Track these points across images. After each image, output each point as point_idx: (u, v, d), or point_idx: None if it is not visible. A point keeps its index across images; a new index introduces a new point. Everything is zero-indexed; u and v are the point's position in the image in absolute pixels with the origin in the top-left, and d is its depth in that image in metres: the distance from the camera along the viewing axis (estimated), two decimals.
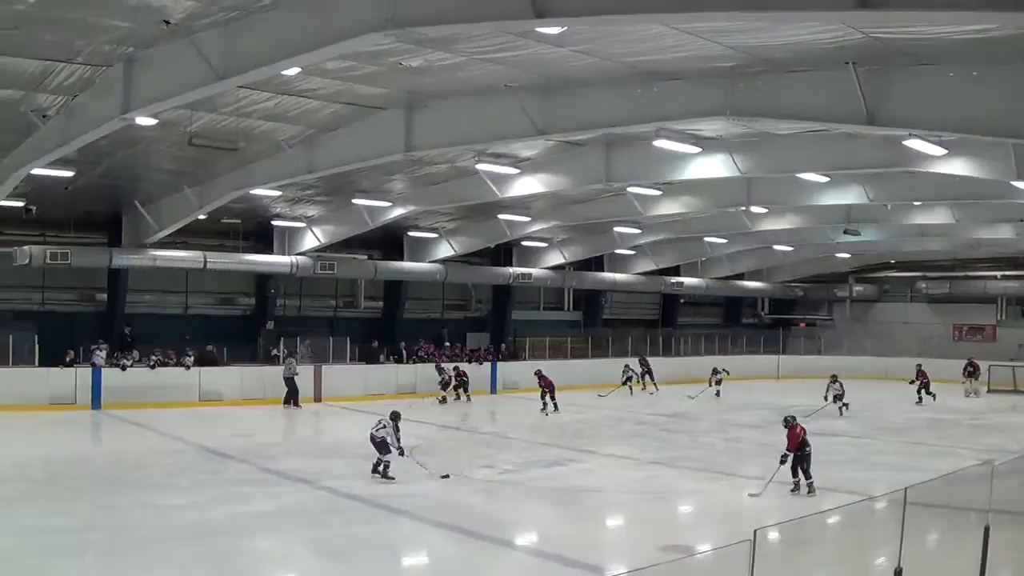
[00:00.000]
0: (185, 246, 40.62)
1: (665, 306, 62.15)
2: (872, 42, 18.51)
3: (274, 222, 41.95)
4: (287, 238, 42.91)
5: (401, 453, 22.34)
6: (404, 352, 45.74)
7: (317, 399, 39.24)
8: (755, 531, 9.51)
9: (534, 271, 50.27)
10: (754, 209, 38.79)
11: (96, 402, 34.82)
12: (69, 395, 34.49)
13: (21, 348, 35.37)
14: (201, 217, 35.81)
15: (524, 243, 48.97)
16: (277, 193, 34.81)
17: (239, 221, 40.51)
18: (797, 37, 18.77)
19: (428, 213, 40.03)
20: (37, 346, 35.95)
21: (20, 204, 34.36)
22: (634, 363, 46.24)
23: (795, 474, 20.97)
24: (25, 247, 36.27)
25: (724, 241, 50.42)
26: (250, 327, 44.90)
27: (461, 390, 40.80)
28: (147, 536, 17.07)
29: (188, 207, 34.60)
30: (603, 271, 54.95)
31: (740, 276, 61.54)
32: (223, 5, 18.38)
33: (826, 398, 37.06)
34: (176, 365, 37.87)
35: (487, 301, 53.19)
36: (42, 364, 35.54)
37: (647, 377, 46.35)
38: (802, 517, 13.85)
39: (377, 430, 22.28)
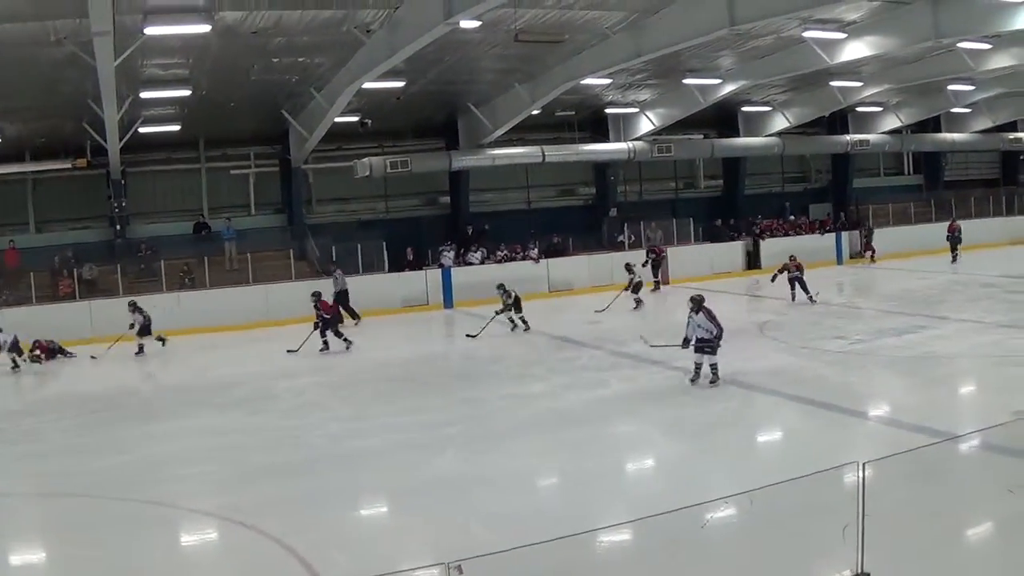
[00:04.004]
0: (522, 142, 41.49)
1: (1005, 164, 58.70)
2: None
3: (607, 110, 42.27)
4: (622, 125, 43.20)
5: None
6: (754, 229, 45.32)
7: (665, 282, 39.42)
8: None
9: (871, 137, 48.75)
10: None
11: (448, 301, 36.33)
12: (421, 296, 36.12)
13: (370, 256, 36.95)
14: (535, 112, 36.44)
15: (858, 109, 47.44)
16: (607, 81, 34.85)
17: (573, 112, 41.04)
18: None
19: (759, 87, 39.28)
20: (385, 252, 37.54)
21: (355, 119, 35.80)
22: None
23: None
24: (365, 159, 37.95)
25: None
26: (593, 215, 45.33)
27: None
28: (507, 426, 17.65)
29: (521, 103, 35.24)
30: (940, 132, 52.78)
31: None
32: None
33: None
34: (523, 259, 38.72)
35: (826, 171, 52.07)
36: (391, 270, 37.13)
37: (655, 271, 38.93)
38: None
39: None
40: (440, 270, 37.27)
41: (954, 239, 43.37)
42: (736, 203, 48.09)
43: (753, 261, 42.80)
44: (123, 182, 35.86)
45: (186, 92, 29.91)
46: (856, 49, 30.76)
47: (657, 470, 15.28)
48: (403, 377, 23.64)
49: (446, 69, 31.66)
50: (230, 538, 12.77)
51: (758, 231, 44.26)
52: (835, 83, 39.77)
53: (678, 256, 41.03)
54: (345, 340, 27.26)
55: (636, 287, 33.89)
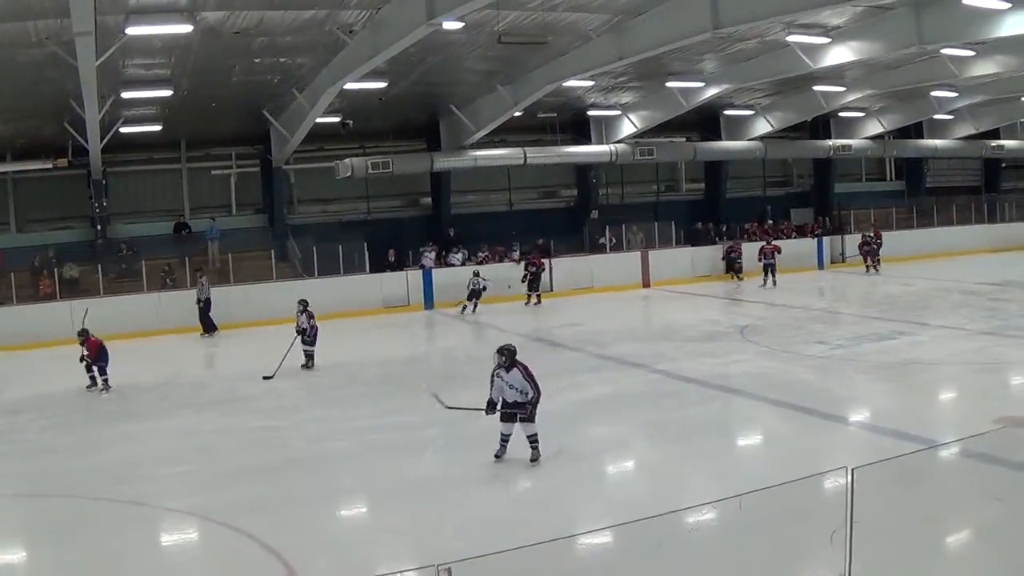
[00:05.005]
0: (504, 144, 41.44)
1: (987, 171, 58.64)
2: None
3: (590, 112, 42.25)
4: (604, 127, 43.21)
5: None
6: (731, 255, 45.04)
7: (645, 284, 39.45)
8: None
9: (853, 142, 48.75)
10: None
11: (429, 302, 36.31)
12: (402, 297, 35.97)
13: (351, 256, 36.83)
14: (517, 114, 36.37)
15: (841, 114, 47.57)
16: (590, 83, 34.90)
17: (555, 114, 40.96)
18: None
19: (742, 90, 39.29)
20: (367, 253, 37.38)
21: (337, 119, 35.74)
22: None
23: None
24: (346, 160, 37.96)
25: None
26: (574, 218, 45.37)
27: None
28: (486, 429, 17.54)
29: (503, 105, 35.20)
30: (922, 138, 52.72)
31: None
32: None
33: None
34: (503, 261, 38.67)
35: (808, 176, 52.09)
36: (372, 270, 37.04)
37: (533, 284, 36.97)
38: None
39: None
40: (421, 271, 37.22)
41: (877, 245, 43.82)
42: (718, 206, 48.04)
43: (732, 266, 42.67)
44: (104, 182, 35.58)
45: (168, 92, 29.79)
46: (840, 54, 30.77)
47: (639, 474, 15.28)
48: (383, 379, 23.64)
49: (428, 70, 31.56)
50: (209, 538, 12.77)
51: (730, 250, 42.82)
52: (818, 88, 39.83)
53: (659, 259, 41.09)
54: (93, 380, 23.05)
55: (472, 294, 34.34)
